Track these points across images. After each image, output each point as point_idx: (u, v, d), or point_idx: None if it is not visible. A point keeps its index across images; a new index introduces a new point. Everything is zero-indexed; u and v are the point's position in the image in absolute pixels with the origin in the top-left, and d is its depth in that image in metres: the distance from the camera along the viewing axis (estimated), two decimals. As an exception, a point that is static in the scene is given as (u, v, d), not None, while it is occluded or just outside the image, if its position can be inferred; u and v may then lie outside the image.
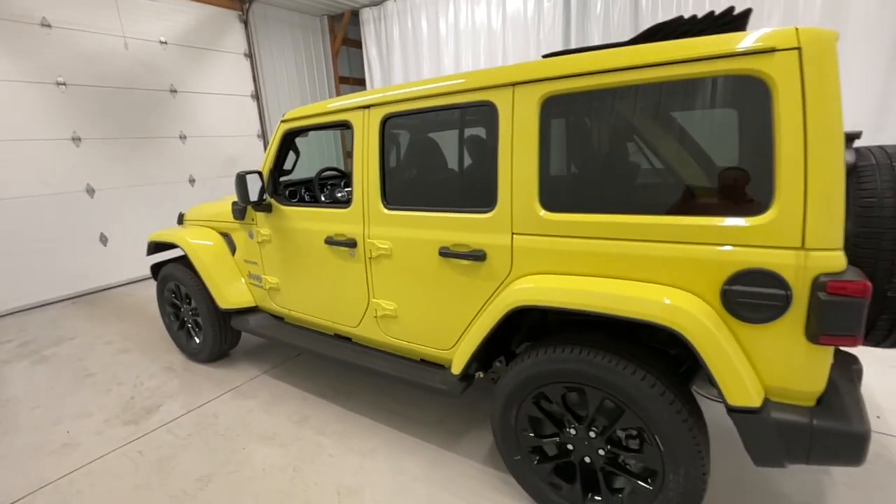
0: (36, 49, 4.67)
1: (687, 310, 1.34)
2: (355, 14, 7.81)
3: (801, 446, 1.30)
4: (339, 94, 8.53)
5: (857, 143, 1.61)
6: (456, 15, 6.65)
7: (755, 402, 1.31)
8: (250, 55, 6.78)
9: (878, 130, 4.26)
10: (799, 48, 1.22)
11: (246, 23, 6.67)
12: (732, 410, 1.34)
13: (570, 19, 5.75)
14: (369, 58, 7.85)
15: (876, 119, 4.28)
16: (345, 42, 8.29)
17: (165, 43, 5.72)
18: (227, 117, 6.57)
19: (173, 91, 5.87)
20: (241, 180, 2.42)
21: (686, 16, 1.61)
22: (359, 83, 8.65)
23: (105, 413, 2.73)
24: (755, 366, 1.36)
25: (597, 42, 5.61)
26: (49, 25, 4.75)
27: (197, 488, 2.06)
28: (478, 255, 1.79)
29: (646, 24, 5.30)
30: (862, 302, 1.19)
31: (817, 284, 1.23)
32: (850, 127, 1.96)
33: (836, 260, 1.23)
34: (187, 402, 2.79)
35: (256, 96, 6.97)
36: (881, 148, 1.58)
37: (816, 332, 1.25)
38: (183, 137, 6.04)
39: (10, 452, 2.40)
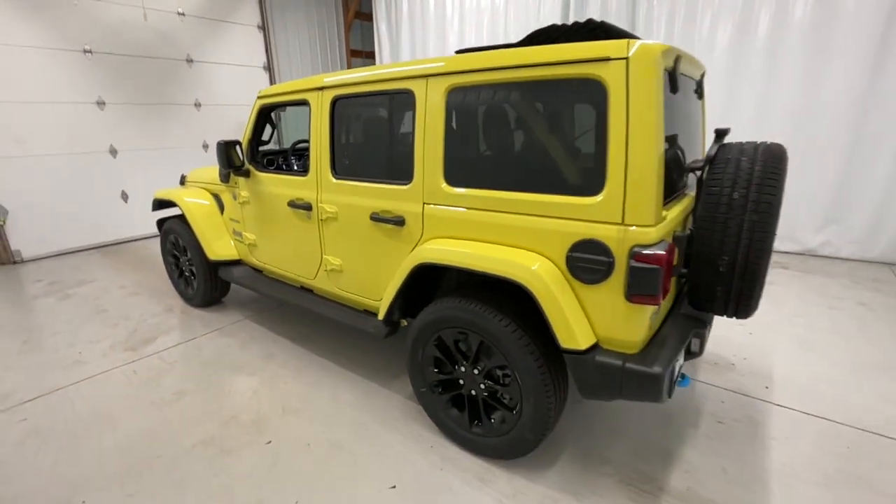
0: (65, 19, 5.12)
1: (532, 269, 1.66)
2: (368, -12, 7.98)
3: (615, 383, 1.62)
4: (349, 66, 8.78)
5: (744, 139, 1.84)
6: (461, -7, 6.75)
7: (581, 345, 1.63)
8: (263, 27, 7.09)
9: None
10: (627, 58, 1.47)
11: (260, -5, 6.96)
12: (564, 352, 1.67)
13: (570, 2, 5.81)
14: (379, 33, 8.05)
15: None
16: (358, 16, 8.48)
17: (183, 14, 6.10)
18: (240, 87, 6.96)
19: (189, 61, 6.28)
20: (221, 147, 2.81)
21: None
22: (370, 56, 8.86)
23: (111, 341, 3.24)
24: (590, 318, 1.67)
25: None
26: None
27: (173, 399, 2.54)
28: (398, 221, 2.13)
29: (643, 7, 5.33)
30: (658, 270, 1.48)
31: (631, 254, 1.53)
32: (723, 124, 2.18)
33: (646, 235, 1.51)
34: (179, 337, 3.28)
35: (269, 67, 7.31)
36: (741, 144, 1.82)
37: (629, 292, 1.55)
38: (198, 105, 6.47)
39: (31, 365, 2.94)
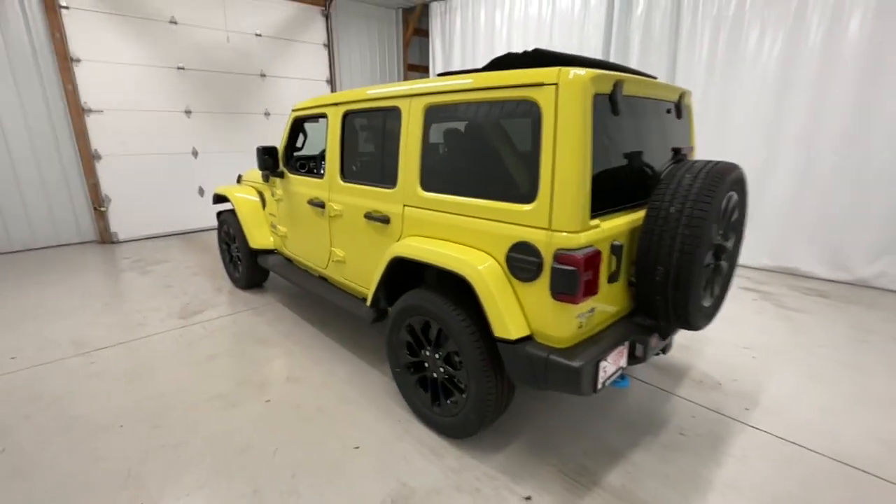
0: (164, 41, 6.11)
1: (475, 266, 1.88)
2: (426, 7, 8.50)
3: (540, 373, 1.79)
4: (406, 80, 9.36)
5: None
6: (511, 7, 7.01)
7: (512, 336, 1.82)
8: (328, 45, 7.84)
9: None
10: (557, 84, 1.67)
11: (327, 17, 7.72)
12: (497, 340, 1.86)
13: (613, 18, 5.85)
14: (434, 48, 8.54)
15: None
16: (416, 32, 9.04)
17: (260, 35, 6.96)
18: (304, 99, 7.73)
19: (262, 75, 7.13)
20: (259, 152, 3.31)
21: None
22: (426, 71, 9.37)
23: (169, 310, 3.88)
24: (526, 314, 1.86)
25: (637, 41, 5.66)
26: (175, 22, 6.16)
27: (205, 360, 3.04)
28: (385, 219, 2.45)
29: (686, 25, 5.25)
30: (576, 272, 1.65)
31: (555, 256, 1.71)
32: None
33: (569, 239, 1.68)
34: (221, 311, 3.85)
35: (331, 81, 8.05)
36: (694, 162, 1.92)
37: (553, 291, 1.73)
38: (267, 114, 7.31)
39: (107, 323, 3.63)
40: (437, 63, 8.53)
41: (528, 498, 1.92)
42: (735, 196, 2.02)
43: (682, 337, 3.38)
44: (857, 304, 4.02)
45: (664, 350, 2.31)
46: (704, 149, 5.31)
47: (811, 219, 4.69)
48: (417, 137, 2.22)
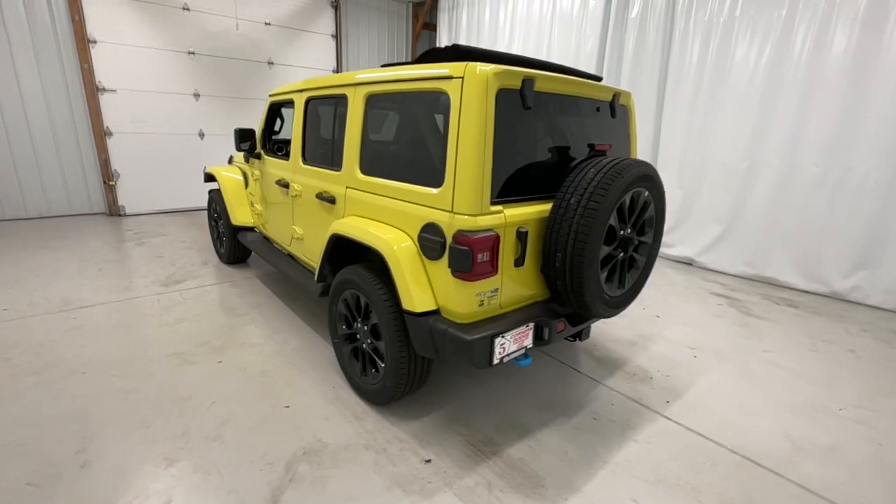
0: (177, 27, 6.42)
1: (390, 243, 2.04)
2: (436, 1, 8.63)
3: (439, 344, 1.94)
4: (414, 73, 9.51)
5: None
6: (514, 5, 7.08)
7: (416, 308, 1.97)
8: (336, 36, 8.06)
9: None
10: (462, 77, 1.81)
11: (336, 8, 7.93)
12: (404, 313, 2.02)
13: (609, 19, 5.87)
14: (440, 42, 8.66)
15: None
16: (426, 27, 9.18)
17: (269, 24, 7.22)
18: (311, 87, 7.98)
19: (270, 63, 7.40)
20: (236, 133, 3.53)
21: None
22: (434, 65, 9.49)
23: (154, 278, 4.17)
24: (434, 290, 2.01)
25: (631, 44, 5.68)
26: (188, 9, 6.47)
27: (174, 323, 3.29)
28: (331, 199, 2.62)
29: (679, 29, 5.25)
30: (468, 252, 1.79)
31: (453, 237, 1.85)
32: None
33: (466, 222, 1.82)
34: (200, 282, 4.11)
35: (337, 71, 8.27)
36: (605, 158, 2.03)
37: (451, 269, 1.87)
38: (273, 101, 7.58)
39: (96, 285, 3.92)
40: (443, 58, 8.64)
41: (429, 460, 2.07)
42: (646, 192, 2.12)
43: (629, 333, 3.47)
44: (824, 316, 4.02)
45: (579, 337, 2.41)
46: (690, 153, 5.31)
47: (790, 229, 4.67)
48: (358, 123, 2.39)
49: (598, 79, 2.60)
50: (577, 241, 1.89)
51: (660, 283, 4.69)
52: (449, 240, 1.88)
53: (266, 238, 4.00)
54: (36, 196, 6.10)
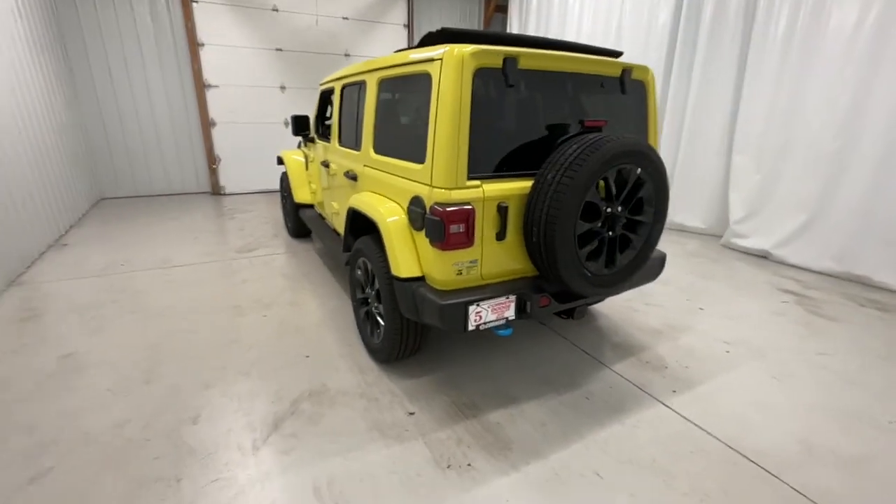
0: (267, 27, 7.22)
1: (384, 215, 2.25)
2: (508, -17, 8.53)
3: (421, 308, 2.11)
4: (485, 58, 9.52)
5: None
6: (585, -19, 6.76)
7: (402, 274, 2.16)
8: (408, 25, 8.38)
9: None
10: (442, 59, 1.92)
11: (409, -3, 8.24)
12: (392, 278, 2.21)
13: (684, -9, 5.38)
14: (510, 26, 8.56)
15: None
16: (498, 9, 9.11)
17: (346, 18, 7.77)
18: (384, 76, 8.43)
19: (347, 55, 7.97)
20: (292, 120, 3.99)
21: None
22: (506, 48, 9.40)
23: (232, 246, 4.88)
24: (420, 258, 2.18)
25: (708, 14, 5.17)
26: (277, 10, 7.22)
27: (238, 283, 3.88)
28: (354, 177, 2.90)
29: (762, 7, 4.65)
30: (440, 222, 1.93)
31: (430, 208, 2.00)
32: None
33: (443, 195, 1.96)
34: (268, 252, 4.73)
35: (409, 60, 8.60)
36: (587, 135, 2.03)
37: (428, 238, 2.02)
38: (349, 90, 8.18)
39: (189, 251, 4.72)
40: (513, 41, 8.54)
41: (412, 413, 2.28)
42: (638, 170, 2.06)
43: (659, 321, 3.31)
44: (919, 322, 3.42)
45: (570, 314, 2.41)
46: (773, 133, 4.73)
47: (890, 220, 3.98)
48: (373, 107, 2.62)
49: (616, 54, 2.53)
50: (548, 217, 1.93)
51: (719, 275, 4.32)
52: (427, 211, 2.03)
53: (319, 214, 4.46)
54: (159, 177, 7.37)
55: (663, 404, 2.39)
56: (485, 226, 2.07)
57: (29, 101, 4.69)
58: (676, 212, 5.89)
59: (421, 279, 2.18)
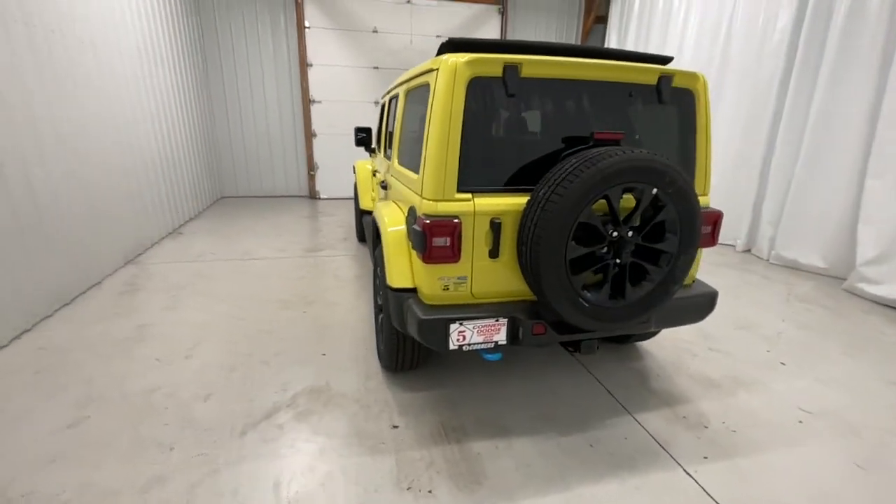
0: (366, 46, 7.84)
1: (386, 224, 2.26)
2: (609, -7, 8.11)
3: (406, 320, 2.06)
4: (580, 71, 9.13)
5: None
6: (693, -16, 6.13)
7: (393, 284, 2.13)
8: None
9: None
10: (437, 70, 1.88)
11: (503, 13, 8.29)
12: (386, 287, 2.20)
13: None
14: (609, 36, 8.10)
15: None
16: (598, 20, 8.69)
17: (439, 37, 8.08)
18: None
19: (437, 71, 8.27)
20: (355, 130, 4.25)
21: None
22: (604, 61, 8.91)
23: (304, 245, 5.34)
24: (413, 270, 2.14)
25: (843, 9, 4.30)
26: (376, 31, 7.81)
27: (296, 278, 4.23)
28: (385, 186, 2.98)
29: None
30: (423, 233, 1.87)
31: (417, 219, 1.95)
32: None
33: (430, 206, 1.90)
34: (331, 253, 5.08)
35: (499, 74, 8.62)
36: (593, 149, 1.82)
37: (415, 249, 1.98)
38: (437, 105, 8.47)
39: (268, 245, 5.28)
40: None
41: (396, 426, 2.24)
42: (653, 190, 1.77)
43: (719, 371, 2.80)
44: None
45: (577, 347, 2.13)
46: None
47: None
48: (400, 117, 2.67)
49: (665, 60, 2.23)
50: (534, 236, 1.76)
51: (827, 327, 3.52)
52: (416, 222, 2.00)
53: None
54: (268, 180, 8.40)
55: (683, 469, 2.00)
56: (475, 241, 1.96)
57: (169, 115, 5.72)
58: (788, 245, 4.97)
59: (413, 291, 2.14)
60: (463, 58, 1.83)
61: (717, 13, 5.72)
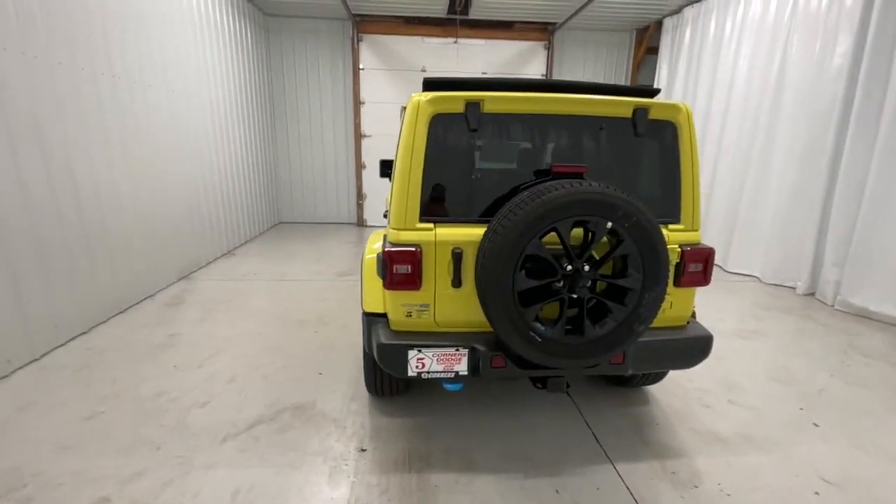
0: (414, 85, 8.29)
1: (367, 251, 2.37)
2: (660, 24, 7.95)
3: (371, 344, 2.12)
4: (631, 103, 8.91)
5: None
6: (744, 12, 5.85)
7: (366, 308, 2.21)
8: (546, 75, 8.51)
9: None
10: (419, 101, 1.99)
11: (549, 49, 8.41)
12: (364, 312, 2.27)
13: (873, 11, 4.17)
14: (660, 66, 7.89)
15: None
16: (649, 51, 8.51)
17: (485, 73, 8.36)
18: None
19: (482, 106, 8.51)
20: (380, 163, 4.50)
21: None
22: (656, 91, 8.65)
23: (336, 269, 5.63)
24: (384, 295, 2.21)
25: None
26: (425, 70, 8.27)
27: (321, 300, 4.46)
28: (385, 215, 3.12)
29: None
30: (383, 261, 1.95)
31: (382, 247, 2.04)
32: None
33: (392, 235, 1.99)
34: (357, 278, 5.29)
35: (545, 107, 8.68)
36: (548, 182, 1.82)
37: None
38: (481, 138, 8.67)
39: (306, 269, 5.63)
40: (661, 82, 7.83)
41: (363, 450, 2.27)
42: (608, 224, 1.71)
43: (733, 428, 2.52)
44: None
45: (543, 384, 2.04)
46: None
47: None
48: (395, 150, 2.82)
49: (651, 92, 2.19)
50: (482, 265, 1.76)
51: (887, 386, 3.04)
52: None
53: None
54: (321, 207, 9.01)
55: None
56: (437, 270, 2.00)
57: (231, 148, 6.44)
58: (856, 290, 4.39)
59: (383, 316, 2.21)
60: (426, 96, 1.94)
61: (771, 39, 5.38)
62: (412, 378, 2.03)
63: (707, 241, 2.22)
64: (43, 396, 2.67)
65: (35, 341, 3.10)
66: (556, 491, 2.03)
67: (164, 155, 4.71)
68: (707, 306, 4.54)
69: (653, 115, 2.03)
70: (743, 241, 5.80)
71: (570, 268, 1.78)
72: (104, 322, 3.78)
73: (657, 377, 2.75)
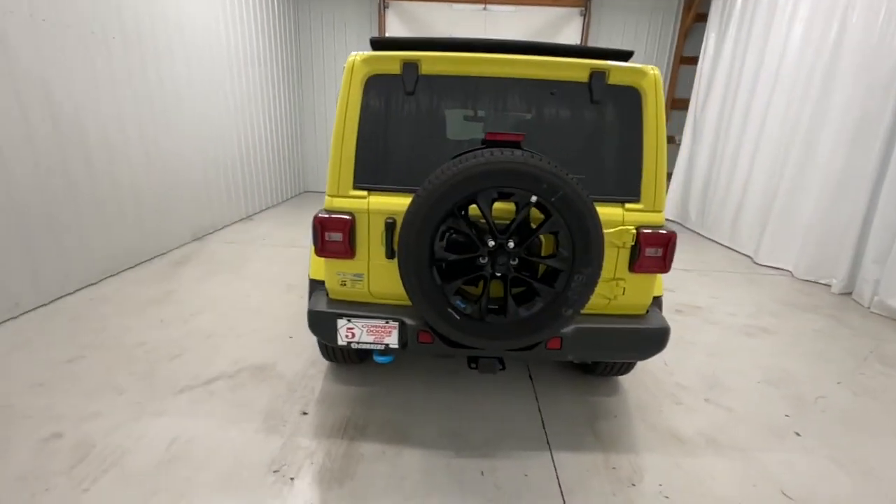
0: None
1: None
2: (711, -13, 7.17)
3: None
4: (674, 76, 8.20)
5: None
6: (806, -30, 5.14)
7: (311, 275, 2.20)
8: (581, 43, 7.97)
9: None
10: (354, 60, 1.89)
11: (585, 15, 7.84)
12: (309, 279, 2.26)
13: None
14: (707, 34, 7.16)
15: None
16: (699, 18, 7.72)
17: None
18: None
19: (510, 76, 8.15)
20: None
21: None
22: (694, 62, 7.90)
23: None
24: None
25: None
26: (451, 38, 7.98)
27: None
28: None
29: None
30: (315, 227, 1.91)
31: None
32: None
33: (328, 202, 1.94)
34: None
35: (578, 79, 8.18)
36: (479, 150, 1.70)
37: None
38: (508, 110, 8.34)
39: (300, 238, 5.73)
40: (707, 53, 7.12)
41: (305, 413, 2.31)
42: (532, 197, 1.57)
43: (698, 428, 2.33)
44: None
45: (476, 365, 1.95)
46: None
47: None
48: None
49: (623, 55, 1.96)
50: (399, 236, 1.68)
51: (889, 393, 2.70)
52: (318, 217, 2.05)
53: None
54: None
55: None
56: (371, 240, 1.95)
57: (253, 118, 6.58)
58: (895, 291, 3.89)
59: (322, 284, 2.20)
60: (361, 55, 1.84)
61: (829, 7, 4.70)
62: (344, 347, 2.01)
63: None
64: (38, 338, 2.91)
65: (43, 288, 3.37)
66: (482, 473, 1.97)
67: (177, 123, 4.87)
68: (723, 299, 4.20)
69: (612, 79, 1.82)
70: (778, 230, 5.26)
71: (492, 243, 1.66)
72: (114, 275, 4.05)
73: (626, 367, 2.58)
